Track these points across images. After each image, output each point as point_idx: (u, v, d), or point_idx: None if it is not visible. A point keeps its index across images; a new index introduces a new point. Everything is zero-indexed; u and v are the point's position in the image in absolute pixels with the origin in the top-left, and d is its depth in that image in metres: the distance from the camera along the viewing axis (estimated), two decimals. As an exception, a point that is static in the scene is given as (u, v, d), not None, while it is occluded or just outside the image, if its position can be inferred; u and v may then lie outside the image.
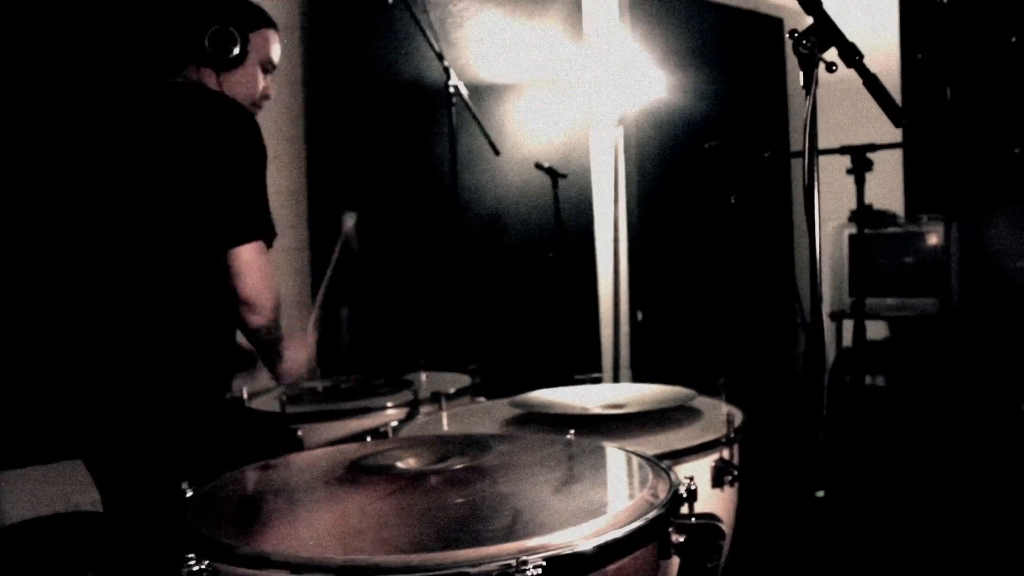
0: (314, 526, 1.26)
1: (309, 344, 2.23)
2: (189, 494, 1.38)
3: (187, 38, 2.08)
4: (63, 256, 2.00)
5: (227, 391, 2.14)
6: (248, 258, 1.90)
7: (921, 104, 4.45)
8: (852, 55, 1.51)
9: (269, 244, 1.98)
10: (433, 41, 3.09)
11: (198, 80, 2.09)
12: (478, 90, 3.64)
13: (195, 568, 1.08)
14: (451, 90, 3.16)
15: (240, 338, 2.07)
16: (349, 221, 2.61)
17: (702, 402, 2.28)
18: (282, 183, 3.43)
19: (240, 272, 1.90)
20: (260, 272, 1.91)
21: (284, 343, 2.09)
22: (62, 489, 2.76)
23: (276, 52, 2.22)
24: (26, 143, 2.74)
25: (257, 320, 1.94)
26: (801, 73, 1.53)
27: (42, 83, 2.79)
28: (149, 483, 1.81)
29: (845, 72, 1.53)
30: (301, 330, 2.27)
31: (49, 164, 2.59)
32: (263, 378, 2.42)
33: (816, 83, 1.52)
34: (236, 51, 2.08)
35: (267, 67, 2.20)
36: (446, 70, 3.13)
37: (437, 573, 1.03)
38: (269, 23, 2.19)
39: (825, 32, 1.51)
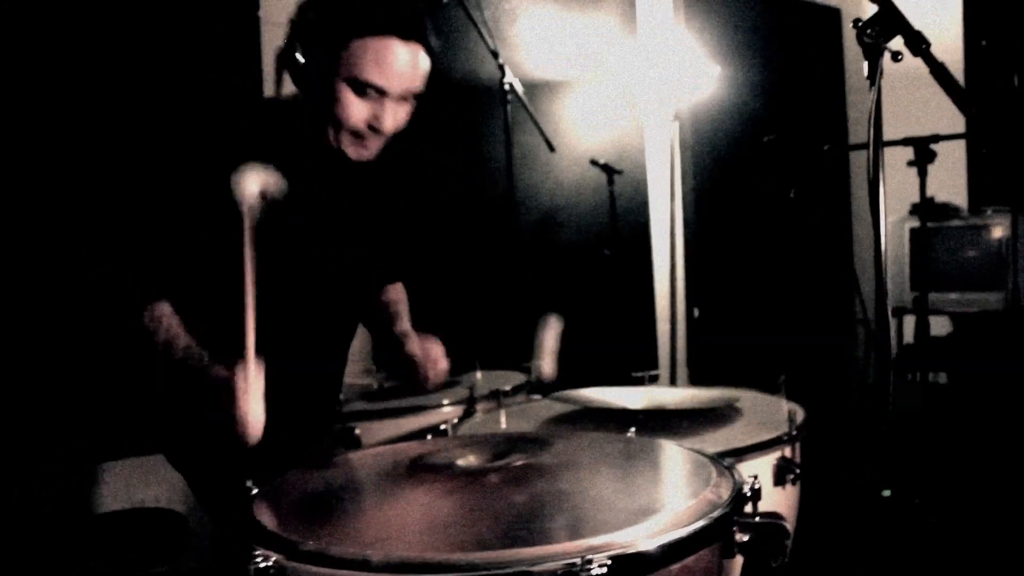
0: (377, 523, 1.27)
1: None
2: (255, 491, 1.40)
3: None
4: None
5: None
6: (400, 294, 2.12)
7: (986, 93, 4.34)
8: (918, 44, 1.47)
9: None
10: (487, 38, 3.09)
11: None
12: (532, 87, 3.63)
13: (262, 564, 1.10)
14: (506, 87, 3.15)
15: None
16: None
17: (762, 399, 2.24)
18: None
19: (395, 305, 2.07)
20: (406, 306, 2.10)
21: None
22: (141, 481, 2.83)
23: None
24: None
25: (414, 348, 1.99)
26: (865, 63, 1.50)
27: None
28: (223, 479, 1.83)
29: (904, 63, 1.50)
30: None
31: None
32: None
33: (881, 73, 1.49)
34: None
35: None
36: (501, 67, 3.13)
37: (501, 571, 1.03)
38: None
39: (890, 21, 1.48)
